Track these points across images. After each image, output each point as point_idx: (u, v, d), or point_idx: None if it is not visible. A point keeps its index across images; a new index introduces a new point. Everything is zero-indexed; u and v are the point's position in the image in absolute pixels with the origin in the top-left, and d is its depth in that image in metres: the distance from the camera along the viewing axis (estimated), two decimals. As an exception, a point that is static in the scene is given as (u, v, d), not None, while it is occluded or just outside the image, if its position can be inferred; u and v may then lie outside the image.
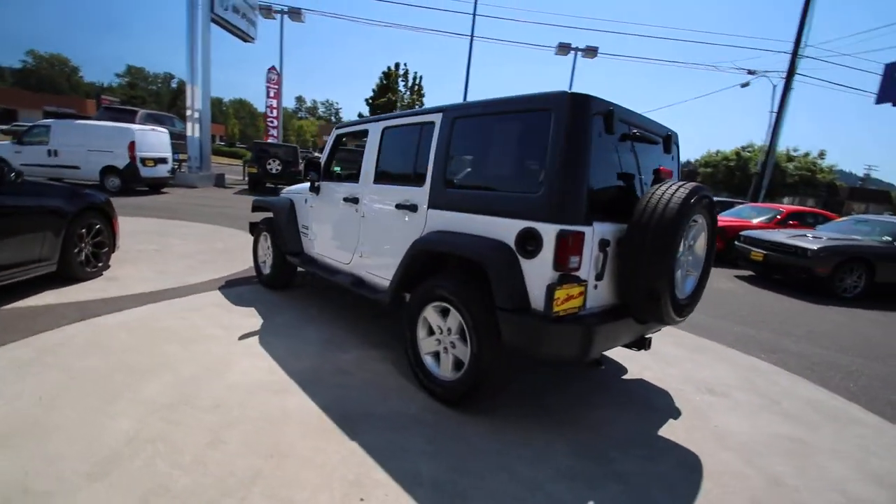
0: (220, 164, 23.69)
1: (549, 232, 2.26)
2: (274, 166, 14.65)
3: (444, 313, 2.78)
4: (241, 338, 3.52)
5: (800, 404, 3.37)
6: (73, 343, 3.15)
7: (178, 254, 6.06)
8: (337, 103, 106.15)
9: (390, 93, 30.41)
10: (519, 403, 2.90)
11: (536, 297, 2.32)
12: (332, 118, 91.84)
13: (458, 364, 2.72)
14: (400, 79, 31.05)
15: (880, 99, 19.65)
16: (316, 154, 15.40)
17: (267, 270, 4.96)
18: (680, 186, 2.42)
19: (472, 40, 18.98)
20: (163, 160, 12.33)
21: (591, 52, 18.89)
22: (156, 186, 12.72)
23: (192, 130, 15.00)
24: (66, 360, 2.88)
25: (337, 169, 4.62)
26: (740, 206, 13.31)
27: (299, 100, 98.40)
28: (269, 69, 20.91)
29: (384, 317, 4.33)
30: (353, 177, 3.80)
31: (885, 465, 2.64)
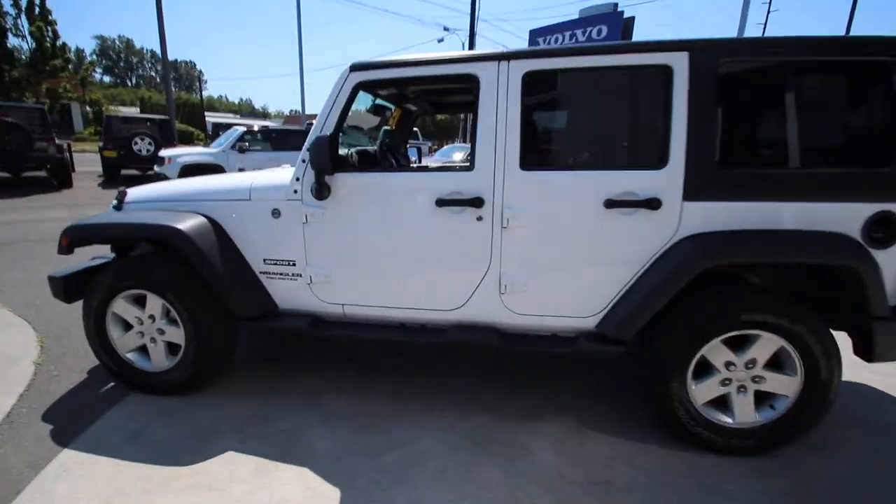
0: None
1: (913, 212, 1.86)
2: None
3: (737, 344, 2.02)
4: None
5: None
6: None
7: None
8: None
9: (-15, 12, 19.42)
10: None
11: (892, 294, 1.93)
12: None
13: (760, 400, 2.07)
14: (-1, -9, 20.06)
15: (530, 59, 26.30)
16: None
17: (163, 363, 2.44)
18: None
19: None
20: None
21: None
22: None
23: None
24: None
25: (349, 150, 2.54)
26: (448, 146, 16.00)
27: None
28: None
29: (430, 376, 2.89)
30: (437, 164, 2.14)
31: None
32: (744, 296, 1.98)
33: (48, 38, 21.40)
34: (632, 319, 2.00)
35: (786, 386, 2.02)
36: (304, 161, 2.21)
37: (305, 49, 19.78)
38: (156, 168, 9.40)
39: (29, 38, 20.92)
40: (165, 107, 16.68)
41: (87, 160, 14.64)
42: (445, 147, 16.47)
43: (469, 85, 2.10)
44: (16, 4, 20.38)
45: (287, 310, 2.43)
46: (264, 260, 2.37)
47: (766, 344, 1.99)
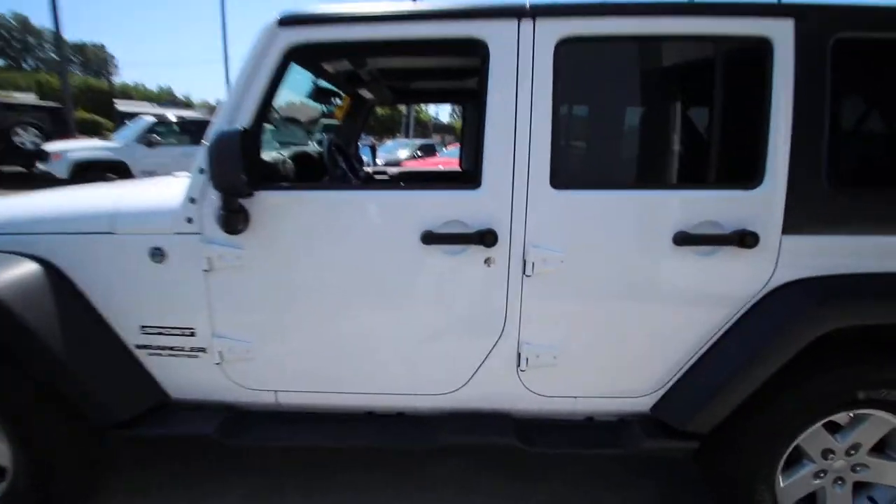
0: None
1: None
2: None
3: (835, 425, 1.48)
4: None
5: None
6: None
7: None
8: None
9: None
10: None
11: None
12: None
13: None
14: None
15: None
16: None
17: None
18: None
19: None
20: None
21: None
22: None
23: None
24: None
25: (279, 154, 1.68)
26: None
27: None
28: None
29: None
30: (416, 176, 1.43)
31: None
32: (864, 367, 1.41)
33: None
34: (713, 404, 1.38)
35: (894, 475, 1.51)
36: (201, 171, 1.37)
37: (231, 32, 17.93)
38: (39, 165, 7.75)
39: None
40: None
41: (-43, 154, 12.14)
42: (389, 143, 15.49)
43: (469, 57, 1.38)
44: None
45: (185, 400, 1.58)
46: (142, 328, 1.50)
47: (877, 425, 1.46)
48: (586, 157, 1.51)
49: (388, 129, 34.55)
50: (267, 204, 1.38)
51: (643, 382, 1.48)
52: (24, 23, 73.86)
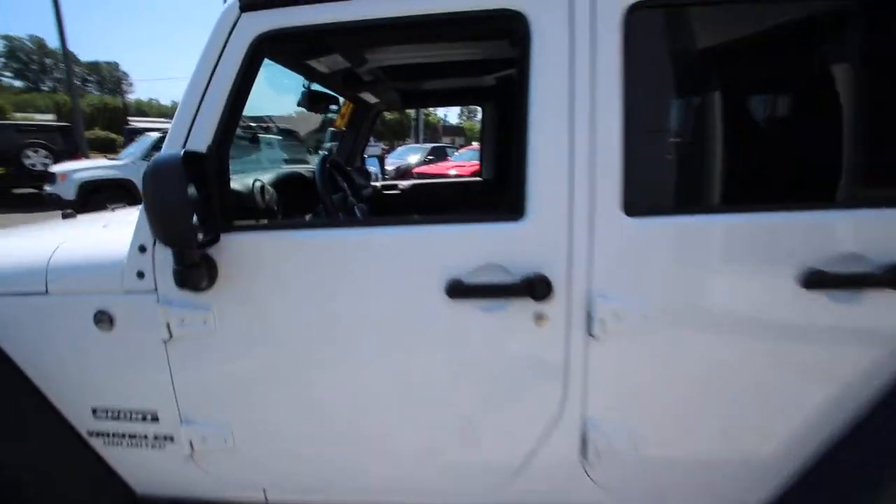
0: None
1: None
2: None
3: None
4: None
5: None
6: None
7: None
8: None
9: None
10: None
11: None
12: None
13: None
14: None
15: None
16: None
17: None
18: None
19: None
20: None
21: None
22: None
23: None
24: None
25: (252, 183, 1.34)
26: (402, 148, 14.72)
27: None
28: None
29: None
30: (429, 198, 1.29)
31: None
32: None
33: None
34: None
35: None
36: (151, 213, 1.03)
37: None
38: (47, 188, 7.61)
39: None
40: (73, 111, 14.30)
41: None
42: (399, 148, 15.11)
43: (499, 39, 1.00)
44: None
45: (154, 497, 1.24)
46: (94, 411, 1.17)
47: None
48: (673, 170, 1.11)
49: (398, 133, 33.95)
50: (238, 250, 1.04)
51: (752, 479, 1.09)
52: (40, 45, 75.97)
